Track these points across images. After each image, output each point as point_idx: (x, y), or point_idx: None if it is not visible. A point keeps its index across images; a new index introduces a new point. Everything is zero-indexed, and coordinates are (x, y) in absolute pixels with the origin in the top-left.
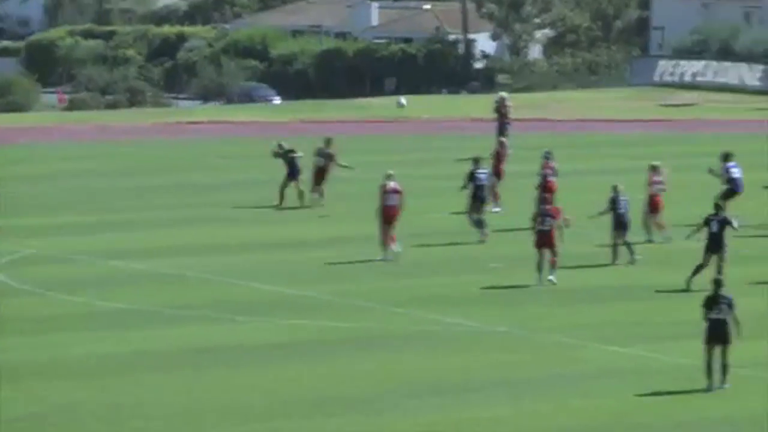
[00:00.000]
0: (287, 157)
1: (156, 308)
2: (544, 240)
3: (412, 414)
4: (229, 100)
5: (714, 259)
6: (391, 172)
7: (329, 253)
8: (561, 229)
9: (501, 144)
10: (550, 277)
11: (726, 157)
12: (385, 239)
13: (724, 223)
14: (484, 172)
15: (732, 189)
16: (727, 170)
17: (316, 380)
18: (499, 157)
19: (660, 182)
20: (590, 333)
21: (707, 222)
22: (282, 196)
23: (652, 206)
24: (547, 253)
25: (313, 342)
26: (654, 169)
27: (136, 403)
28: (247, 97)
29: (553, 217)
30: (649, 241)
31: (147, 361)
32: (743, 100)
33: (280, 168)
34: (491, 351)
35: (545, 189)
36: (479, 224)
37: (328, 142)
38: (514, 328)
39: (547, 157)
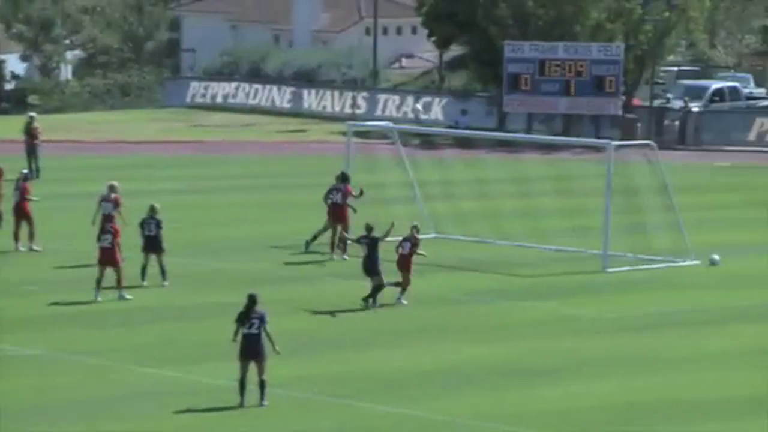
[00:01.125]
0: None
1: None
2: (106, 257)
3: None
4: None
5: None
6: None
7: None
8: (119, 247)
9: None
10: (126, 296)
11: (343, 178)
12: None
13: (376, 243)
14: None
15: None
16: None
17: None
18: None
19: (115, 199)
20: (125, 355)
21: (359, 241)
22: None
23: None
24: (109, 271)
25: None
26: (112, 188)
27: None
28: None
29: (113, 234)
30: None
31: None
32: (274, 122)
33: None
34: (26, 375)
35: (18, 213)
36: None
37: None
38: (49, 351)
39: (26, 178)
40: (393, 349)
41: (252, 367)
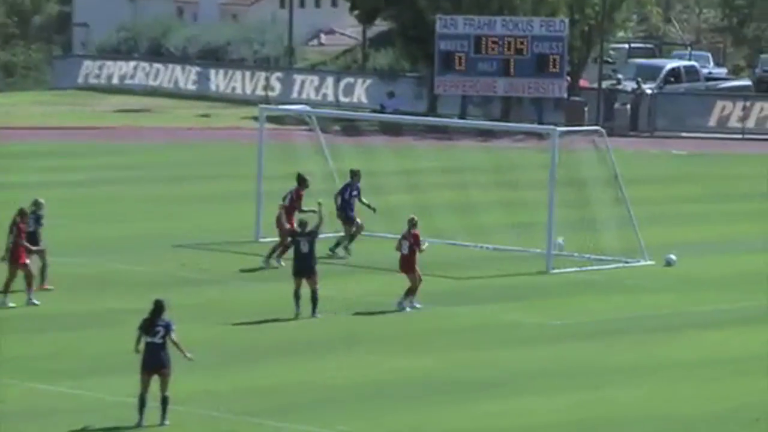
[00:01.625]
0: None
1: None
2: (12, 258)
3: None
4: None
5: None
6: None
7: None
8: (25, 248)
9: None
10: (9, 303)
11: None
12: None
13: (314, 238)
14: None
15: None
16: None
17: None
18: None
19: None
20: (12, 368)
21: (294, 241)
22: None
23: None
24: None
25: None
26: None
27: None
28: None
29: (17, 234)
30: None
31: None
32: (178, 106)
33: None
34: None
35: None
36: None
37: None
38: None
39: None
40: (312, 361)
41: (154, 381)
